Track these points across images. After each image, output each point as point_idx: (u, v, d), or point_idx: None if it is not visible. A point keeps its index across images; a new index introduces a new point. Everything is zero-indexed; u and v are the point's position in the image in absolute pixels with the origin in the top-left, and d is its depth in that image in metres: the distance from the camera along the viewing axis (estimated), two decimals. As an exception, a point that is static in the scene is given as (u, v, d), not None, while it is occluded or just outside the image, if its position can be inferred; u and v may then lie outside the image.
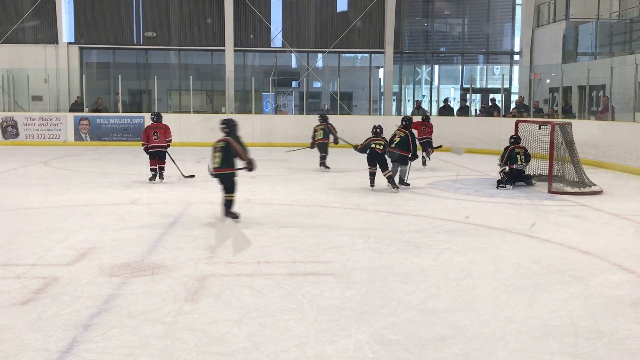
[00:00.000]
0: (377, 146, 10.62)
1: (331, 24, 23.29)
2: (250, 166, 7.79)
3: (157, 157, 11.47)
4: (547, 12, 22.34)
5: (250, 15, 22.82)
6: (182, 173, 11.83)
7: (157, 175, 11.50)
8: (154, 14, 22.94)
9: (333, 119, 20.92)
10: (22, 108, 21.42)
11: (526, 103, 20.54)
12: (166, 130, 11.59)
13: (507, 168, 11.19)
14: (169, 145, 11.56)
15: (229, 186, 7.94)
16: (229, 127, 7.98)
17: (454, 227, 7.75)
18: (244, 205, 9.24)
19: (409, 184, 11.02)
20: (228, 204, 7.96)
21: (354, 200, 9.83)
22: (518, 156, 11.23)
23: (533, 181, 11.48)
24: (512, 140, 11.53)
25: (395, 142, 10.89)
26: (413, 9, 24.03)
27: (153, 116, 11.89)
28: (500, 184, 11.05)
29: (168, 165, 11.72)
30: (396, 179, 10.83)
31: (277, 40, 23.34)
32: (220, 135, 8.03)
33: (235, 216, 7.95)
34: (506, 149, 11.45)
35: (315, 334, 4.21)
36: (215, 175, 8.01)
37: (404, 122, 11.25)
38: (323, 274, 5.62)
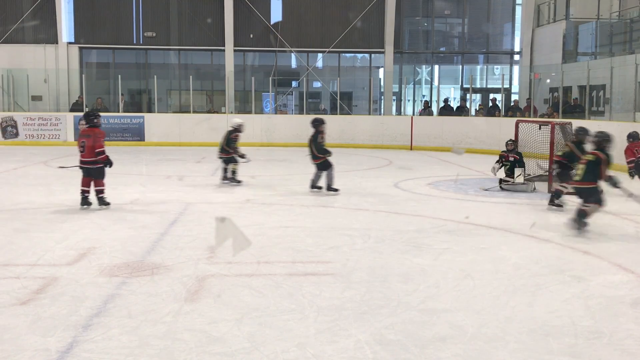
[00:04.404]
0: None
1: (331, 24, 23.28)
2: None
3: None
4: (547, 12, 22.33)
5: (250, 15, 22.81)
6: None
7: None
8: (154, 14, 22.93)
9: (333, 119, 21.11)
10: (21, 108, 21.41)
11: (521, 106, 20.56)
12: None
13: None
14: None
15: None
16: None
17: (454, 227, 7.75)
18: (244, 205, 9.25)
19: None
20: None
21: (354, 200, 9.83)
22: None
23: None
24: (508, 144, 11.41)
25: (579, 173, 7.61)
26: (413, 8, 24.02)
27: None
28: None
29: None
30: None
31: (277, 40, 23.34)
32: None
33: None
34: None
35: (315, 334, 4.21)
36: None
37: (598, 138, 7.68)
38: (323, 274, 5.62)
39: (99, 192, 8.82)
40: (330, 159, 10.45)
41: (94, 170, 8.79)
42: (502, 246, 6.84)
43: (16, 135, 20.07)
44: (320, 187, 10.42)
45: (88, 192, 8.82)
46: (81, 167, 8.83)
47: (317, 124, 10.61)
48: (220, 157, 11.30)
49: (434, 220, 8.23)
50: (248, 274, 5.57)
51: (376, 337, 4.16)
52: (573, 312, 4.70)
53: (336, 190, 10.33)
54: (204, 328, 4.28)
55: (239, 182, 11.20)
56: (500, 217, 8.60)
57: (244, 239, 5.42)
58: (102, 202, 8.82)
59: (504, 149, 11.49)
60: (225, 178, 11.27)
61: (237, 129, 11.29)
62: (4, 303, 4.76)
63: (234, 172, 11.23)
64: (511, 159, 11.21)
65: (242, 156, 11.28)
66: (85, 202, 8.78)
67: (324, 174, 10.41)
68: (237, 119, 11.69)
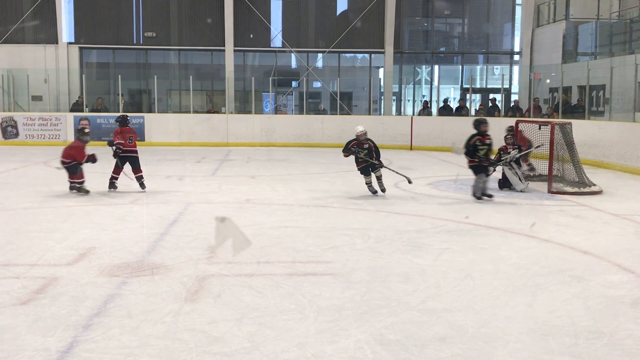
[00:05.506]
0: None
1: (331, 24, 23.28)
2: None
3: None
4: (547, 12, 22.34)
5: (250, 15, 22.81)
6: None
7: None
8: (154, 14, 22.93)
9: (333, 119, 21.12)
10: (22, 108, 21.42)
11: (523, 106, 20.54)
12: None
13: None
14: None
15: None
16: None
17: (454, 227, 7.75)
18: (244, 205, 9.25)
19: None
20: None
21: (354, 200, 9.82)
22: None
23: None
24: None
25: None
26: (413, 8, 24.02)
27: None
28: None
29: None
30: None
31: (277, 40, 23.34)
32: None
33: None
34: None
35: (315, 334, 4.21)
36: None
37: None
38: (323, 274, 5.62)
39: (141, 178, 10.27)
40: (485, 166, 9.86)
41: (136, 159, 10.26)
42: (502, 246, 6.84)
43: (16, 135, 20.07)
44: (490, 195, 9.77)
45: (117, 178, 10.26)
46: (122, 157, 10.15)
47: (476, 125, 9.96)
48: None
49: (434, 220, 8.23)
50: (248, 274, 5.56)
51: (376, 337, 4.16)
52: (573, 312, 4.70)
53: (479, 198, 9.66)
54: (204, 328, 4.28)
55: (374, 192, 10.11)
56: (500, 217, 8.59)
57: (244, 239, 5.42)
58: (144, 186, 10.25)
59: (503, 144, 11.49)
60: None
61: (353, 139, 10.00)
62: (4, 303, 4.76)
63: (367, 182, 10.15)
64: (509, 150, 11.07)
65: (380, 165, 10.01)
66: (113, 185, 10.22)
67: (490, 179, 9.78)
68: (359, 126, 10.16)
